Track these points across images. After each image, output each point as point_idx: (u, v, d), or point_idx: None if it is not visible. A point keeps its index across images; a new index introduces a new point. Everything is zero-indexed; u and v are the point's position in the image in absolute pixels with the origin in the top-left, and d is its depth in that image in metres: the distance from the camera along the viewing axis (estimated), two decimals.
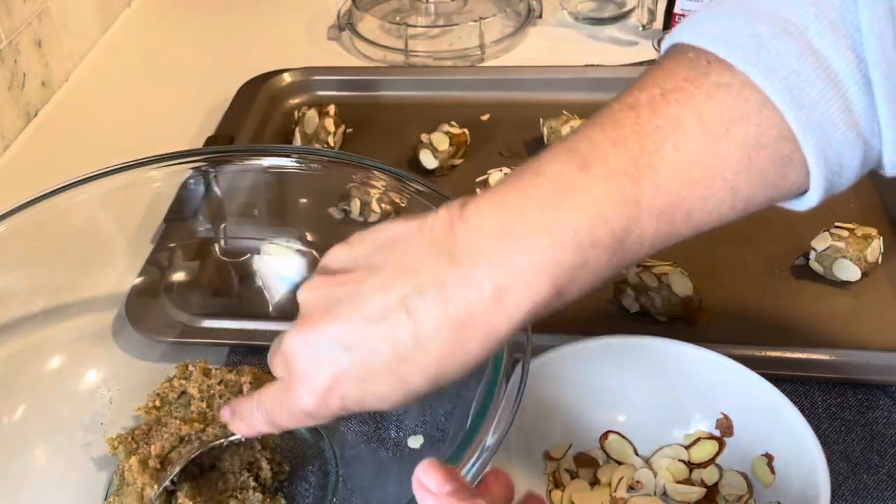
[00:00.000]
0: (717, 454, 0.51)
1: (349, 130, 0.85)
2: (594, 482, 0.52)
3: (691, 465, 0.52)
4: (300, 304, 0.43)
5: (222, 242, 0.66)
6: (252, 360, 0.62)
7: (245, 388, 0.55)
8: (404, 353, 0.38)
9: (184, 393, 0.56)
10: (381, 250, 0.41)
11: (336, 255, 0.42)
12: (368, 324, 0.39)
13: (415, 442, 0.54)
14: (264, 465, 0.53)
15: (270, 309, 0.65)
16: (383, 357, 0.39)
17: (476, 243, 0.38)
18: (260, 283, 0.66)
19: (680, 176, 0.36)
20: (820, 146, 0.35)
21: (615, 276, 0.42)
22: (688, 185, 0.36)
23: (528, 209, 0.37)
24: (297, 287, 0.43)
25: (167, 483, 0.50)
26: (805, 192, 0.37)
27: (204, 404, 0.54)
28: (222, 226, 0.66)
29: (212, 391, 0.55)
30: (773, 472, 0.49)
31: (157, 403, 0.56)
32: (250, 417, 0.45)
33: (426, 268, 0.38)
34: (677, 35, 0.38)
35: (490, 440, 0.42)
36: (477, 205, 0.39)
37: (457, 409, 0.51)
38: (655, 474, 0.52)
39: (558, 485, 0.52)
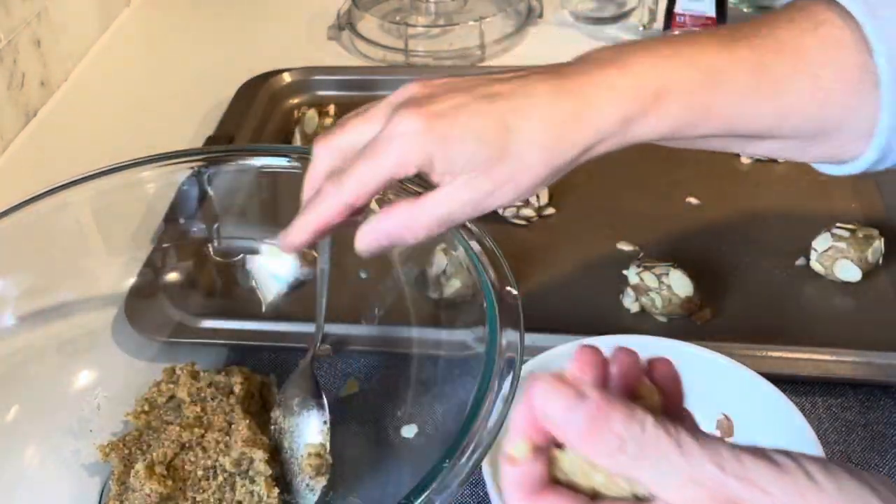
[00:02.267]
0: None
1: None
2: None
3: None
4: (393, 102, 0.44)
5: (220, 243, 0.66)
6: (251, 359, 0.62)
7: (236, 388, 0.55)
8: (514, 105, 0.42)
9: (172, 397, 0.56)
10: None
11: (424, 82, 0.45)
12: (494, 84, 0.43)
13: (408, 432, 0.55)
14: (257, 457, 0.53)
15: (263, 309, 0.65)
16: (498, 106, 0.42)
17: (584, 57, 0.45)
18: (258, 284, 0.66)
19: (771, 46, 0.44)
20: (891, 56, 0.42)
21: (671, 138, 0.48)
22: (778, 55, 0.44)
23: (613, 58, 0.44)
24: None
25: None
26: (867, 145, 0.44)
27: (197, 408, 0.54)
28: (220, 226, 0.66)
29: (202, 394, 0.55)
30: None
31: (146, 408, 0.56)
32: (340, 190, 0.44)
33: (541, 69, 0.44)
34: None
35: (484, 437, 0.42)
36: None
37: (452, 408, 0.51)
38: None
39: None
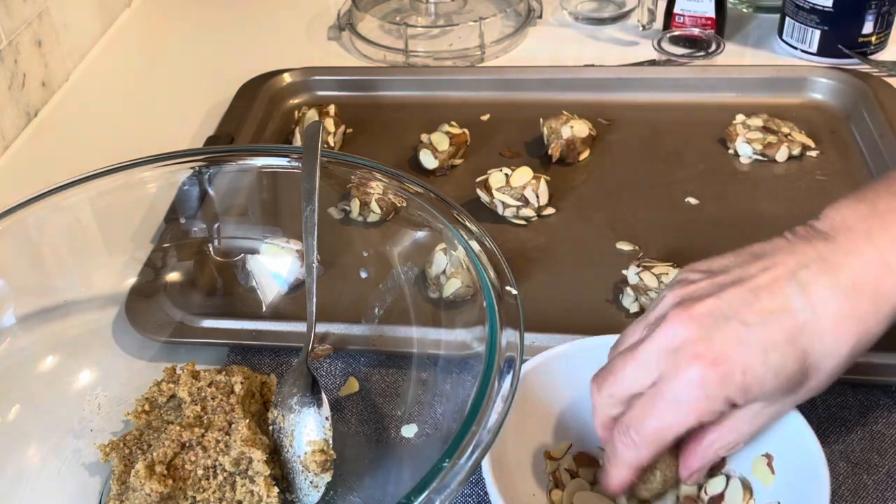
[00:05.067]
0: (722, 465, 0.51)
1: (349, 130, 0.85)
2: (594, 482, 0.52)
3: None
4: (664, 304, 0.44)
5: (220, 243, 0.66)
6: (251, 359, 0.62)
7: (236, 388, 0.55)
8: (803, 321, 0.40)
9: (173, 397, 0.56)
10: (747, 257, 0.43)
11: (697, 266, 0.44)
12: (761, 296, 0.41)
13: (408, 431, 0.55)
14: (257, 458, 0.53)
15: (263, 309, 0.65)
16: (783, 326, 0.40)
17: (844, 224, 0.42)
18: (258, 284, 0.66)
19: None
20: None
21: None
22: None
23: (886, 196, 0.42)
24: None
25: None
26: None
27: (198, 407, 0.54)
28: (220, 226, 0.66)
29: (203, 393, 0.55)
30: (772, 472, 0.48)
31: (147, 408, 0.56)
32: (620, 454, 0.45)
33: (803, 250, 0.42)
34: None
35: (483, 437, 0.42)
36: (830, 207, 0.43)
37: (452, 407, 0.51)
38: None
39: (558, 484, 0.52)
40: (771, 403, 0.43)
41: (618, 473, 0.46)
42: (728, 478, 0.50)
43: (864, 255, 0.41)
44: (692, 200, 0.75)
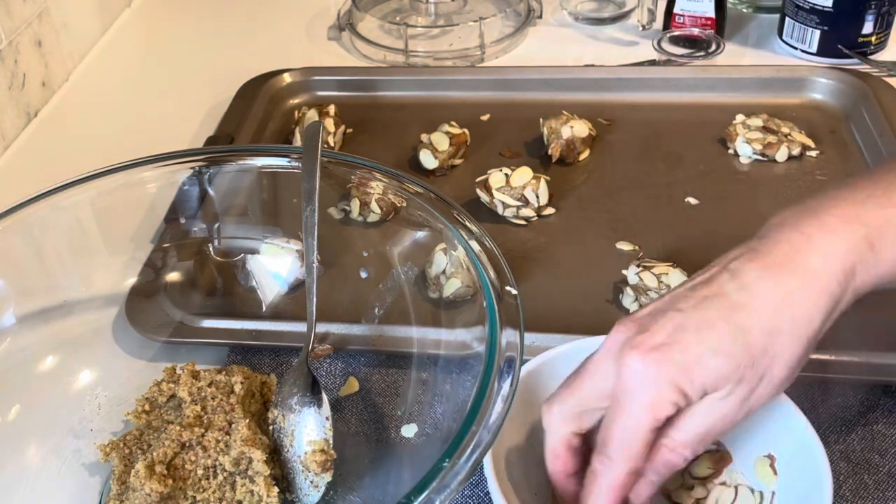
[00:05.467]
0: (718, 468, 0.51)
1: (349, 130, 0.85)
2: None
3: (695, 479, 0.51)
4: (611, 350, 0.44)
5: (220, 243, 0.66)
6: (251, 359, 0.62)
7: (236, 387, 0.55)
8: (737, 300, 0.41)
9: (173, 396, 0.56)
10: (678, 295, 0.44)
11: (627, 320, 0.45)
12: (697, 288, 0.43)
13: (408, 431, 0.55)
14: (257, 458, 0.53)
15: (263, 309, 0.65)
16: (717, 306, 0.41)
17: (778, 221, 0.44)
18: (258, 284, 0.66)
19: None
20: None
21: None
22: None
23: (822, 198, 0.44)
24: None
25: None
26: None
27: (198, 407, 0.54)
28: (220, 226, 0.66)
29: (203, 393, 0.55)
30: (775, 472, 0.48)
31: (147, 408, 0.56)
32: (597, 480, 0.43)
33: (736, 251, 0.44)
34: None
35: (483, 437, 0.42)
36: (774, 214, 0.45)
37: (452, 407, 0.51)
38: None
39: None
40: (726, 394, 0.42)
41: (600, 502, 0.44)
42: (736, 488, 0.50)
43: (791, 240, 0.42)
44: (692, 200, 0.75)
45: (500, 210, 0.73)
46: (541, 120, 0.81)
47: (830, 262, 0.42)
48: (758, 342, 0.41)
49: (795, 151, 0.78)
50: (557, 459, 0.46)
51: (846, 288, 0.42)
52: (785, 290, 0.42)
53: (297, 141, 0.81)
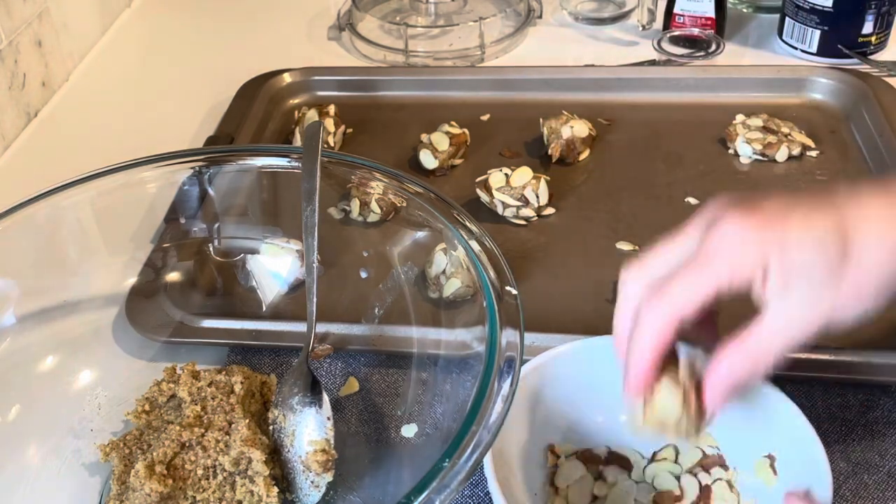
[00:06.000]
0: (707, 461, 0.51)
1: (349, 130, 0.85)
2: (598, 478, 0.52)
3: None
4: (707, 216, 0.41)
5: (220, 243, 0.66)
6: (251, 359, 0.62)
7: (236, 387, 0.55)
8: (847, 211, 0.40)
9: (173, 396, 0.56)
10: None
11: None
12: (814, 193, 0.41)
13: (408, 431, 0.55)
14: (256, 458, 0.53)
15: (263, 309, 0.65)
16: (826, 205, 0.40)
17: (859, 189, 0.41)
18: (258, 284, 0.66)
19: None
20: None
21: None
22: None
23: None
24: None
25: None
26: None
27: (198, 407, 0.54)
28: (220, 226, 0.66)
29: (203, 393, 0.55)
30: (775, 472, 0.48)
31: (147, 408, 0.56)
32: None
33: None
34: None
35: (483, 436, 0.42)
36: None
37: (452, 407, 0.51)
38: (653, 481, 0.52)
39: (559, 478, 0.52)
40: (810, 289, 0.39)
41: (640, 349, 0.42)
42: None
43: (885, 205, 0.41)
44: (692, 200, 0.75)
45: (500, 210, 0.73)
46: (541, 120, 0.81)
47: None
48: (857, 248, 0.39)
49: (795, 151, 0.78)
50: (623, 318, 0.44)
51: None
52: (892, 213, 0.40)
53: (297, 141, 0.81)
